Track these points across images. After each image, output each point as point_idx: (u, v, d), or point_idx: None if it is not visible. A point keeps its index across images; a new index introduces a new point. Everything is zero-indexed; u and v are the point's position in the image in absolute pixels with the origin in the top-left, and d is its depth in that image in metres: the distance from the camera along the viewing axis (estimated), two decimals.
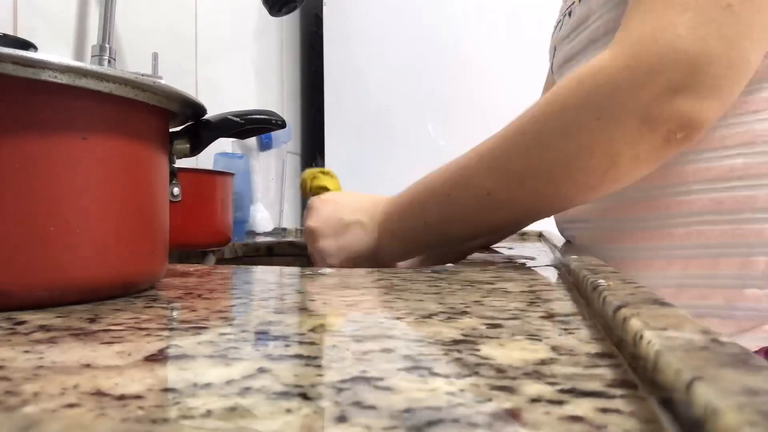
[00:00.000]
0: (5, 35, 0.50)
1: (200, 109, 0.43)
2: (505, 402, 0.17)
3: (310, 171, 0.79)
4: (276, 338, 0.25)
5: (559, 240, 0.82)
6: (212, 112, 0.46)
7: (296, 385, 0.18)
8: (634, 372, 0.20)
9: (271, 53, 1.56)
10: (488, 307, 0.33)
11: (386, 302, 0.35)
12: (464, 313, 0.31)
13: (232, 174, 0.89)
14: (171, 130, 0.44)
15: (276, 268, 0.56)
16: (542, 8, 1.45)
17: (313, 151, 1.76)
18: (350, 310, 0.32)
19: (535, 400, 0.17)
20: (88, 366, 0.21)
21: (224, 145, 1.17)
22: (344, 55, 1.57)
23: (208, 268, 0.56)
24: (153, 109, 0.38)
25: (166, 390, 0.18)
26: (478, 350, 0.23)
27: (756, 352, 0.52)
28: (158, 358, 0.22)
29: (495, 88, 1.47)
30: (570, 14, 0.68)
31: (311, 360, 0.22)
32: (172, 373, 0.20)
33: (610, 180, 0.49)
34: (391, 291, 0.39)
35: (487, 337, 0.25)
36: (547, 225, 1.41)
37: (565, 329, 0.27)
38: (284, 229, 1.35)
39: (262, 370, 0.20)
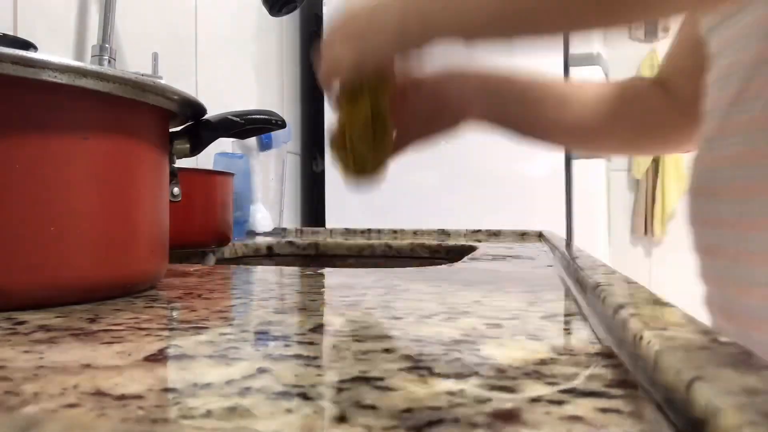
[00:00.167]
0: (5, 35, 0.50)
1: (200, 109, 0.43)
2: (505, 402, 0.17)
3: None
4: (276, 338, 0.25)
5: (559, 240, 0.82)
6: (212, 112, 0.46)
7: (296, 385, 0.18)
8: (634, 372, 0.20)
9: (271, 53, 1.56)
10: (488, 307, 0.33)
11: (386, 302, 0.35)
12: (464, 313, 0.31)
13: (232, 174, 0.89)
14: (171, 130, 0.44)
15: (276, 268, 0.56)
16: None
17: (313, 151, 1.76)
18: (350, 310, 0.32)
19: (535, 400, 0.17)
20: (88, 366, 0.21)
21: (224, 145, 1.17)
22: None
23: (208, 268, 0.56)
24: (153, 109, 0.38)
25: (166, 390, 0.18)
26: (478, 350, 0.23)
27: None
28: (158, 358, 0.22)
29: None
30: None
31: (311, 360, 0.22)
32: (172, 373, 0.20)
33: None
34: (391, 291, 0.39)
35: (487, 337, 0.25)
36: (548, 225, 1.41)
37: (565, 329, 0.27)
38: (284, 229, 1.35)
39: (262, 370, 0.20)
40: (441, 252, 0.98)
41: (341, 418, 0.16)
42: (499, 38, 0.44)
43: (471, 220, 1.48)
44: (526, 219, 1.44)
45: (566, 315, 0.31)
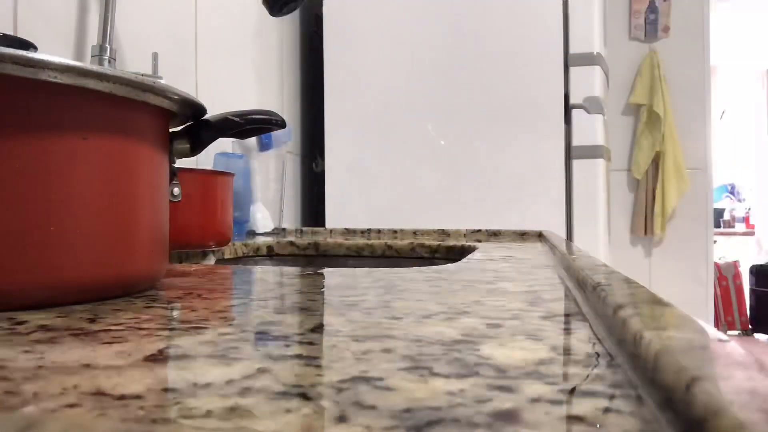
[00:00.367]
0: (5, 35, 0.50)
1: (200, 109, 0.43)
2: (505, 402, 0.17)
3: None
4: (276, 338, 0.25)
5: (559, 240, 0.82)
6: (212, 112, 0.46)
7: (296, 385, 0.18)
8: (634, 372, 0.20)
9: (271, 53, 1.56)
10: (488, 307, 0.33)
11: (386, 302, 0.35)
12: (464, 313, 0.31)
13: (232, 174, 0.89)
14: (171, 130, 0.44)
15: (276, 268, 0.56)
16: (539, 9, 1.45)
17: (313, 151, 1.76)
18: (350, 310, 0.32)
19: (535, 400, 0.17)
20: (88, 366, 0.21)
21: (224, 145, 1.17)
22: (344, 55, 1.57)
23: (208, 268, 0.56)
24: (153, 109, 0.38)
25: (166, 390, 0.18)
26: (478, 350, 0.23)
27: None
28: (158, 358, 0.22)
29: (495, 88, 1.47)
30: None
31: (311, 360, 0.22)
32: (172, 373, 0.20)
33: None
34: (391, 291, 0.39)
35: (487, 337, 0.25)
36: (548, 225, 1.41)
37: (565, 329, 0.27)
38: (284, 229, 1.35)
39: (262, 370, 0.20)
40: (441, 252, 0.98)
41: (341, 418, 0.16)
42: None
43: (471, 220, 1.48)
44: (526, 219, 1.44)
45: (566, 315, 0.31)
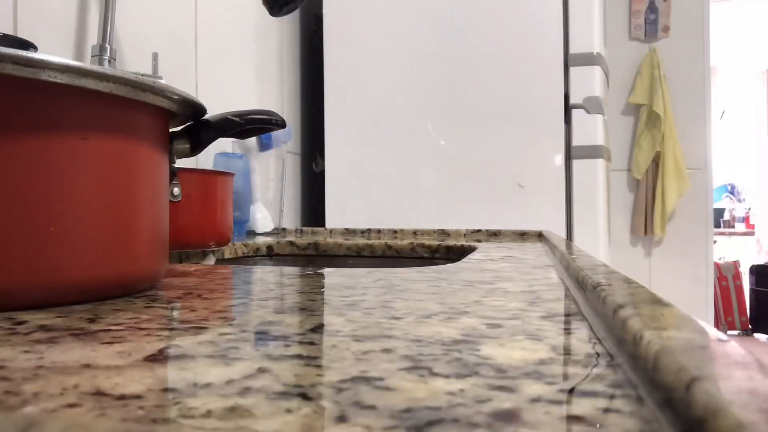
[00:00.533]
0: (5, 35, 0.50)
1: (200, 109, 0.43)
2: (505, 402, 0.17)
3: None
4: (276, 338, 0.25)
5: (559, 240, 0.82)
6: (212, 112, 0.46)
7: (296, 385, 0.18)
8: (634, 372, 0.20)
9: (271, 53, 1.56)
10: (488, 307, 0.33)
11: (386, 302, 0.35)
12: (464, 313, 0.31)
13: (232, 174, 0.89)
14: (171, 130, 0.44)
15: (276, 268, 0.56)
16: (539, 9, 1.45)
17: (313, 151, 1.76)
18: (350, 310, 0.32)
19: (535, 400, 0.17)
20: (88, 366, 0.21)
21: (224, 145, 1.17)
22: (344, 55, 1.57)
23: (208, 268, 0.56)
24: (153, 109, 0.38)
25: (166, 390, 0.18)
26: (478, 350, 0.23)
27: None
28: (158, 358, 0.22)
29: (495, 88, 1.47)
30: None
31: (311, 360, 0.22)
32: (172, 373, 0.20)
33: None
34: (391, 291, 0.39)
35: (487, 337, 0.25)
36: (548, 225, 1.41)
37: (565, 329, 0.27)
38: (284, 229, 1.35)
39: (262, 370, 0.20)
40: (441, 252, 0.98)
41: (341, 418, 0.16)
42: None
43: (471, 220, 1.48)
44: (526, 219, 1.44)
45: (566, 315, 0.31)
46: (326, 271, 0.52)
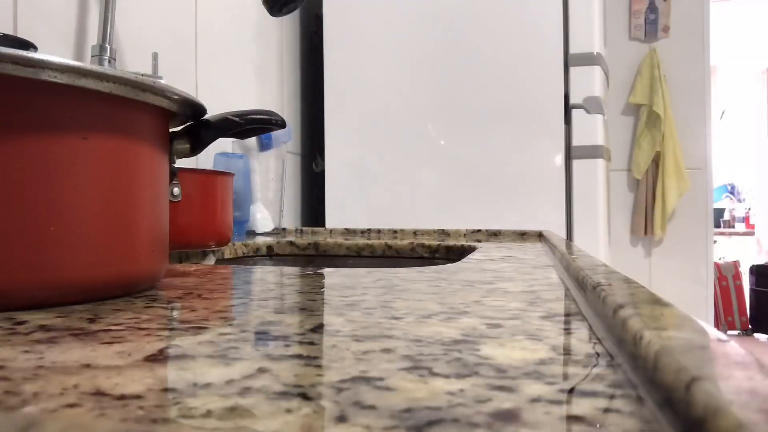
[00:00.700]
0: (5, 35, 0.50)
1: (200, 109, 0.43)
2: (505, 402, 0.17)
3: None
4: (276, 338, 0.25)
5: (559, 240, 0.82)
6: (212, 112, 0.46)
7: (296, 385, 0.18)
8: (634, 372, 0.20)
9: (271, 53, 1.56)
10: (488, 307, 0.33)
11: (386, 302, 0.35)
12: (464, 313, 0.31)
13: (232, 174, 0.89)
14: (171, 130, 0.44)
15: (276, 268, 0.56)
16: (539, 9, 1.45)
17: (313, 151, 1.76)
18: (350, 310, 0.32)
19: (535, 400, 0.17)
20: (88, 366, 0.21)
21: (224, 145, 1.17)
22: (344, 55, 1.57)
23: (208, 268, 0.56)
24: (153, 109, 0.38)
25: (166, 390, 0.18)
26: (478, 350, 0.23)
27: None
28: (158, 358, 0.22)
29: (495, 88, 1.47)
30: None
31: (311, 360, 0.22)
32: (172, 373, 0.20)
33: None
34: (391, 291, 0.39)
35: (487, 337, 0.25)
36: (548, 225, 1.41)
37: (565, 329, 0.27)
38: (284, 229, 1.35)
39: (262, 370, 0.20)
40: (441, 252, 0.98)
41: (341, 418, 0.16)
42: None
43: (471, 220, 1.48)
44: (526, 219, 1.44)
45: (566, 315, 0.31)
46: (326, 271, 0.52)
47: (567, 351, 0.23)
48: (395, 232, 1.26)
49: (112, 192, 0.35)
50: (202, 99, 0.41)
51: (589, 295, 0.33)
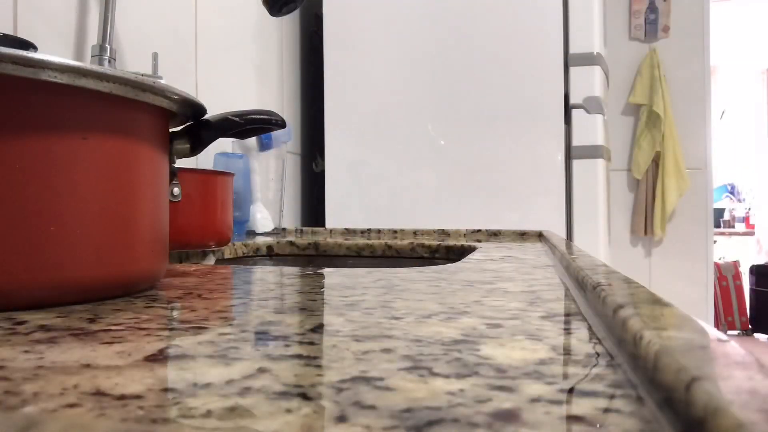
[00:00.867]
0: (5, 35, 0.50)
1: (200, 109, 0.43)
2: (505, 402, 0.17)
3: None
4: (276, 338, 0.25)
5: (559, 240, 0.82)
6: (212, 112, 0.46)
7: (296, 385, 0.18)
8: (634, 372, 0.20)
9: (271, 53, 1.56)
10: (488, 307, 0.33)
11: (386, 302, 0.35)
12: (464, 313, 0.31)
13: (232, 174, 0.89)
14: (171, 130, 0.44)
15: (276, 268, 0.56)
16: (539, 9, 1.45)
17: (313, 151, 1.76)
18: (350, 310, 0.32)
19: (535, 400, 0.17)
20: (88, 366, 0.21)
21: (224, 145, 1.17)
22: (344, 55, 1.57)
23: (208, 268, 0.56)
24: (153, 109, 0.38)
25: (166, 390, 0.18)
26: (478, 350, 0.23)
27: None
28: (158, 358, 0.22)
29: (495, 88, 1.47)
30: None
31: (311, 360, 0.22)
32: (172, 373, 0.20)
33: None
34: (391, 291, 0.39)
35: (487, 337, 0.25)
36: (548, 225, 1.41)
37: (565, 329, 0.27)
38: (284, 229, 1.35)
39: (262, 370, 0.20)
40: (441, 252, 0.98)
41: (341, 418, 0.16)
42: None
43: (471, 220, 1.48)
44: (526, 219, 1.44)
45: (566, 315, 0.31)
46: (326, 271, 0.52)
47: (567, 351, 0.23)
48: (395, 232, 1.26)
49: (112, 192, 0.35)
50: (202, 99, 0.41)
51: (589, 295, 0.33)
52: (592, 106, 1.43)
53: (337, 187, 1.56)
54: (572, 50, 1.44)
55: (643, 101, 2.44)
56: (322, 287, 0.41)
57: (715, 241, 2.79)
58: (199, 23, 1.21)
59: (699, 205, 2.45)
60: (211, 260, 0.92)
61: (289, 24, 1.67)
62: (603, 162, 1.48)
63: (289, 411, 0.16)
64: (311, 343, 0.24)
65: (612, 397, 0.18)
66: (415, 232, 1.24)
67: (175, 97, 0.39)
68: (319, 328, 0.27)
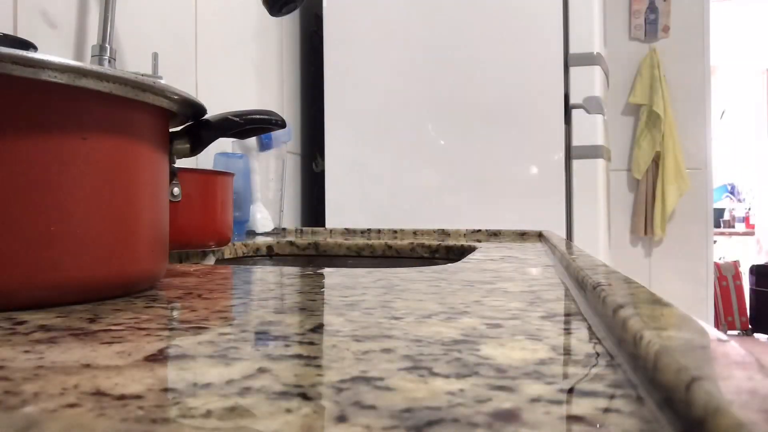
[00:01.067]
0: (5, 35, 0.50)
1: (200, 109, 0.43)
2: (505, 402, 0.17)
3: None
4: (276, 338, 0.25)
5: (559, 240, 0.82)
6: (212, 112, 0.46)
7: (296, 385, 0.18)
8: (634, 372, 0.20)
9: (271, 53, 1.56)
10: (488, 307, 0.33)
11: (386, 302, 0.35)
12: (464, 313, 0.31)
13: (232, 174, 0.89)
14: (171, 130, 0.44)
15: (276, 268, 0.56)
16: (539, 9, 1.45)
17: (313, 151, 1.76)
18: (350, 310, 0.32)
19: (535, 400, 0.17)
20: (88, 366, 0.21)
21: (224, 145, 1.17)
22: (344, 55, 1.57)
23: (208, 268, 0.56)
24: (153, 109, 0.38)
25: (166, 390, 0.18)
26: (478, 350, 0.23)
27: None
28: (158, 358, 0.22)
29: (495, 87, 1.47)
30: None
31: (311, 360, 0.22)
32: (172, 373, 0.20)
33: None
34: (391, 291, 0.39)
35: (487, 337, 0.25)
36: (548, 225, 1.41)
37: (565, 329, 0.27)
38: (284, 229, 1.35)
39: (262, 370, 0.20)
40: (441, 252, 0.98)
41: (341, 418, 0.16)
42: None
43: (471, 220, 1.48)
44: (526, 219, 1.44)
45: (566, 315, 0.31)
46: (326, 271, 0.52)
47: (567, 351, 0.23)
48: (395, 232, 1.26)
49: (112, 192, 0.35)
50: (202, 99, 0.41)
51: (589, 295, 0.33)
52: (592, 106, 1.43)
53: (337, 187, 1.56)
54: (572, 50, 1.44)
55: (643, 101, 2.44)
56: (322, 287, 0.41)
57: (715, 241, 2.79)
58: (199, 23, 1.21)
59: (699, 205, 2.45)
60: (211, 260, 0.92)
61: (289, 24, 1.67)
62: (603, 162, 1.48)
63: (289, 411, 0.16)
64: (311, 343, 0.24)
65: (612, 397, 0.18)
66: (415, 232, 1.24)
67: (175, 97, 0.39)
68: (319, 328, 0.27)
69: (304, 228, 1.37)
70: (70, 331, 0.26)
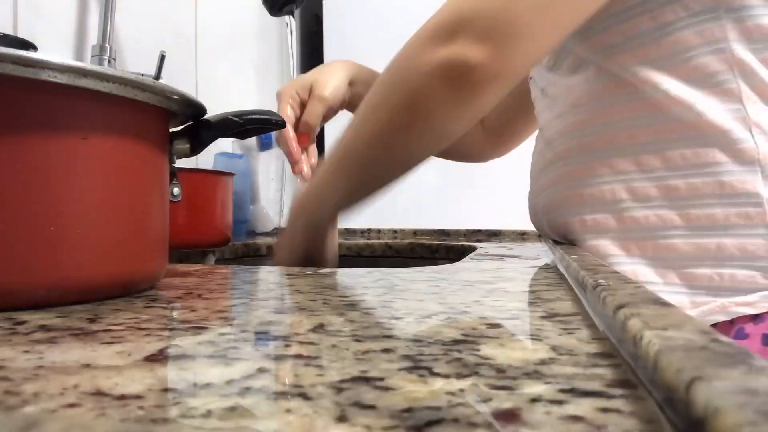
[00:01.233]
0: (5, 35, 0.50)
1: (200, 109, 0.43)
2: (505, 402, 0.17)
3: None
4: (276, 338, 0.25)
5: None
6: (212, 112, 0.46)
7: (296, 385, 0.18)
8: (634, 372, 0.20)
9: (271, 53, 1.55)
10: (488, 307, 0.33)
11: (386, 302, 0.35)
12: (464, 313, 0.31)
13: (232, 174, 0.89)
14: (171, 130, 0.44)
15: (276, 268, 0.56)
16: None
17: None
18: (350, 310, 0.32)
19: (535, 400, 0.17)
20: (88, 366, 0.21)
21: (224, 145, 1.17)
22: (344, 55, 1.57)
23: (208, 268, 0.56)
24: (153, 109, 0.38)
25: (166, 390, 0.18)
26: (478, 350, 0.23)
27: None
28: (158, 358, 0.22)
29: None
30: None
31: (311, 360, 0.22)
32: (172, 373, 0.20)
33: (437, 132, 0.55)
34: (391, 291, 0.39)
35: (487, 337, 0.25)
36: None
37: (565, 329, 0.27)
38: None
39: (262, 370, 0.20)
40: (441, 252, 0.98)
41: (341, 418, 0.16)
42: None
43: (471, 220, 1.47)
44: (526, 219, 1.44)
45: (566, 315, 0.31)
46: (326, 271, 0.52)
47: (567, 351, 0.23)
48: (395, 232, 1.26)
49: (112, 192, 0.35)
50: (202, 99, 0.41)
51: (589, 295, 0.33)
52: None
53: None
54: None
55: None
56: (322, 287, 0.41)
57: None
58: (199, 23, 1.21)
59: None
60: (211, 260, 0.92)
61: (289, 24, 1.67)
62: None
63: (289, 411, 0.16)
64: (311, 343, 0.24)
65: (612, 397, 0.18)
66: (415, 232, 1.24)
67: (175, 97, 0.39)
68: (319, 328, 0.27)
69: None
70: (70, 331, 0.26)
